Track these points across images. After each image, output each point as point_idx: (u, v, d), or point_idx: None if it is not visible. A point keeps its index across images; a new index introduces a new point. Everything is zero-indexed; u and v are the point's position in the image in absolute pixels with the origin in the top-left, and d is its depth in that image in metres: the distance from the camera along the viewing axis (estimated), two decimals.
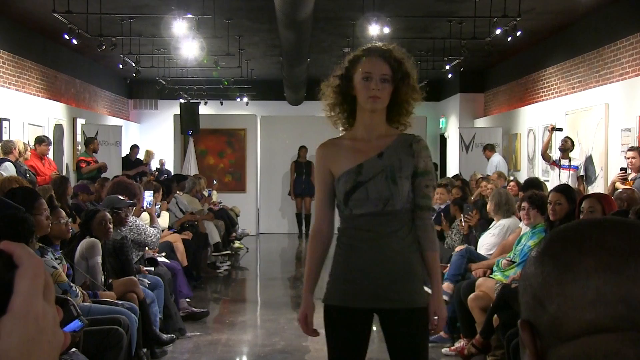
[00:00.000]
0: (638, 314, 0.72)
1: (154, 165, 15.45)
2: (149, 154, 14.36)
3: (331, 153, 2.66)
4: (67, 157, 12.01)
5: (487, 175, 9.84)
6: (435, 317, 2.57)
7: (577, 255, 0.75)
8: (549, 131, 9.59)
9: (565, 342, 0.74)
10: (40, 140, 9.31)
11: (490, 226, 6.15)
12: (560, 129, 9.44)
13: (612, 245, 0.74)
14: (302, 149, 13.21)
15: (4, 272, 0.63)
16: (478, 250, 5.98)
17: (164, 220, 7.55)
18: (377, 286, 2.53)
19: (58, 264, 4.09)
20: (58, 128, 11.57)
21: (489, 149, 11.91)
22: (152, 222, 6.35)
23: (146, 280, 5.39)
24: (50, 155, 11.01)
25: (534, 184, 7.15)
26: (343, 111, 2.67)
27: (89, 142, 11.36)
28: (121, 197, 5.56)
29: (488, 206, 6.09)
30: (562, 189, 5.02)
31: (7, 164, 7.77)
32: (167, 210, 8.05)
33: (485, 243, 5.95)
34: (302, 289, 2.76)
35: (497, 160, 11.64)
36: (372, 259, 2.53)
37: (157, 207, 7.23)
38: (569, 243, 0.77)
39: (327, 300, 2.62)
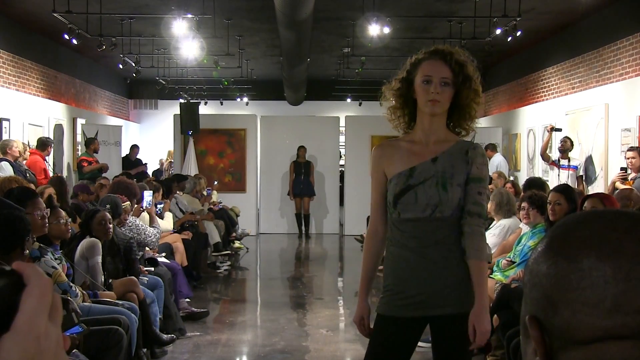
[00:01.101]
0: None
1: (155, 165, 15.45)
2: (171, 155, 14.42)
3: (387, 154, 2.61)
4: (67, 157, 12.02)
5: None
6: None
7: (595, 262, 0.73)
8: (548, 131, 9.59)
9: (577, 346, 0.73)
10: (47, 144, 9.33)
11: (490, 226, 6.15)
12: (560, 129, 9.44)
13: (631, 251, 0.73)
14: (301, 148, 13.20)
15: (12, 291, 0.62)
16: None
17: (168, 221, 7.54)
18: (426, 294, 2.51)
19: (58, 264, 4.09)
20: (58, 128, 11.57)
21: (491, 148, 11.90)
22: (151, 222, 6.35)
23: (145, 279, 5.40)
24: (50, 155, 11.03)
25: (536, 183, 7.16)
26: (404, 115, 2.62)
27: (89, 142, 11.37)
28: (119, 198, 5.57)
29: (488, 206, 6.08)
30: (562, 189, 5.02)
31: (3, 163, 7.76)
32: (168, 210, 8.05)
33: None
34: (358, 290, 2.75)
35: (498, 161, 11.63)
36: (420, 269, 2.51)
37: (160, 206, 7.23)
38: (586, 245, 0.75)
39: (378, 309, 2.61)
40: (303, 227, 13.25)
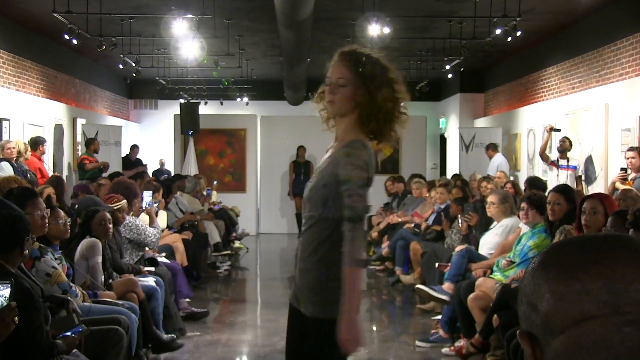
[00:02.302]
0: (618, 297, 0.77)
1: (155, 165, 15.45)
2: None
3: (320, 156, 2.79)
4: (67, 157, 12.02)
5: (488, 175, 9.83)
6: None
7: (560, 257, 0.83)
8: (547, 131, 9.59)
9: (557, 336, 0.78)
10: (39, 142, 9.26)
11: (491, 226, 6.15)
12: (559, 130, 9.44)
13: (591, 244, 0.83)
14: (301, 148, 13.21)
15: None
16: (480, 250, 5.98)
17: (161, 219, 7.53)
18: (295, 287, 2.60)
19: (58, 264, 4.09)
20: (58, 128, 11.57)
21: (492, 148, 11.90)
22: (151, 222, 6.35)
23: (151, 270, 5.45)
24: (50, 155, 11.02)
25: (535, 183, 7.16)
26: (328, 117, 2.64)
27: (89, 142, 11.38)
28: (97, 199, 5.59)
29: (499, 208, 6.02)
30: (562, 189, 5.02)
31: (3, 163, 7.76)
32: (167, 209, 8.04)
33: (489, 242, 5.95)
34: None
35: (499, 161, 11.61)
36: (297, 262, 2.61)
37: (155, 205, 7.22)
38: (551, 251, 0.86)
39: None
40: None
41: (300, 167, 13.21)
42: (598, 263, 0.79)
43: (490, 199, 6.08)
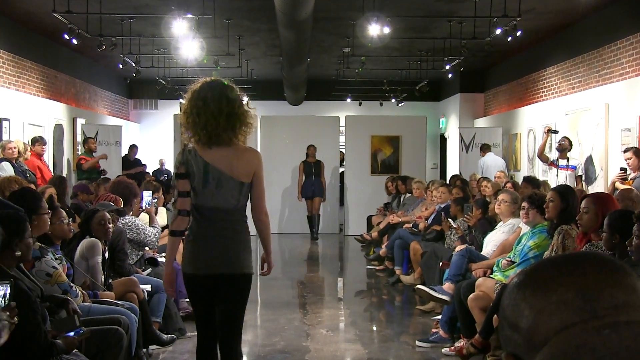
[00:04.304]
0: (594, 303, 0.82)
1: (155, 165, 15.44)
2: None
3: None
4: (67, 157, 12.02)
5: (473, 173, 9.87)
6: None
7: (534, 276, 0.87)
8: (545, 133, 9.60)
9: (541, 349, 0.82)
10: (35, 141, 9.25)
11: (497, 225, 6.14)
12: (556, 132, 9.45)
13: (562, 261, 0.89)
14: (311, 147, 12.70)
15: None
16: (485, 247, 5.98)
17: (161, 217, 7.52)
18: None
19: (58, 264, 4.09)
20: (58, 128, 11.58)
21: (484, 149, 11.93)
22: (151, 222, 6.34)
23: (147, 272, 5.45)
24: (50, 155, 11.02)
25: (530, 181, 7.17)
26: None
27: (84, 142, 11.45)
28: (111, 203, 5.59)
29: (510, 207, 6.00)
30: (559, 188, 5.05)
31: (4, 163, 7.76)
32: (166, 209, 8.04)
33: (495, 239, 5.94)
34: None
35: (484, 161, 11.65)
36: None
37: (154, 201, 7.21)
38: (525, 273, 0.89)
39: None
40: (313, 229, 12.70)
41: (311, 168, 12.57)
42: (571, 274, 0.85)
43: (503, 197, 6.06)
